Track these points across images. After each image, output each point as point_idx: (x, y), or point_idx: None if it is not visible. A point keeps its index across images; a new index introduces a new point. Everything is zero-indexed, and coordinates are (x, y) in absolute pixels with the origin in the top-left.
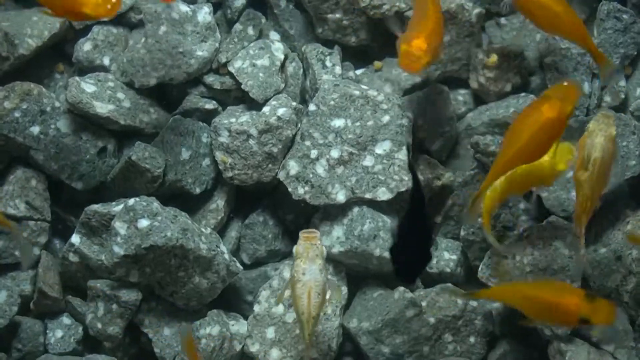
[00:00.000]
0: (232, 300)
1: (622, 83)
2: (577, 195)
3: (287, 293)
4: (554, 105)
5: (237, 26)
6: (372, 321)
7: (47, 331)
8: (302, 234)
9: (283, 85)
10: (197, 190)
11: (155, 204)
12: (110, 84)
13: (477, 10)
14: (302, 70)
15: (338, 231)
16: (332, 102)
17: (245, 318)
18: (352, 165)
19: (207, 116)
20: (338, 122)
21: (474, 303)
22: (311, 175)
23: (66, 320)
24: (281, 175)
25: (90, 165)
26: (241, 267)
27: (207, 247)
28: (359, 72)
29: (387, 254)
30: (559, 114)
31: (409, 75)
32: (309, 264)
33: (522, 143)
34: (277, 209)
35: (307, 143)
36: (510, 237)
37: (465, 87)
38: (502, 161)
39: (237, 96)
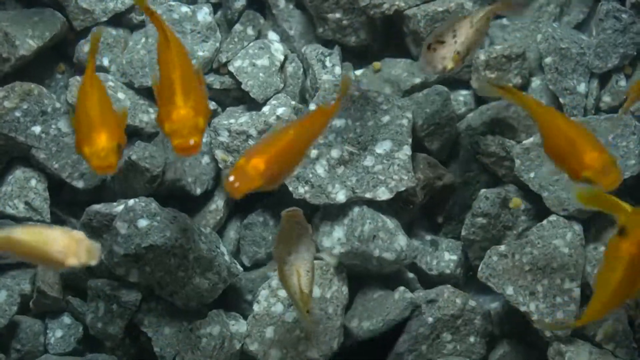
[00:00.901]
0: (232, 299)
1: (623, 83)
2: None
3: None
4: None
5: (237, 27)
6: (372, 321)
7: (47, 331)
8: (284, 214)
9: (282, 85)
10: (198, 191)
11: (154, 204)
12: (110, 83)
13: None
14: (302, 70)
15: (339, 232)
16: (332, 102)
17: (245, 318)
18: (352, 165)
19: None
20: (338, 122)
21: (472, 303)
22: (311, 175)
23: (67, 319)
24: None
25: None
26: (241, 269)
27: (207, 247)
28: (358, 72)
29: (386, 255)
30: None
31: (409, 75)
32: (294, 244)
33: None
34: (277, 209)
35: None
36: (509, 236)
37: (465, 87)
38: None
39: (236, 96)
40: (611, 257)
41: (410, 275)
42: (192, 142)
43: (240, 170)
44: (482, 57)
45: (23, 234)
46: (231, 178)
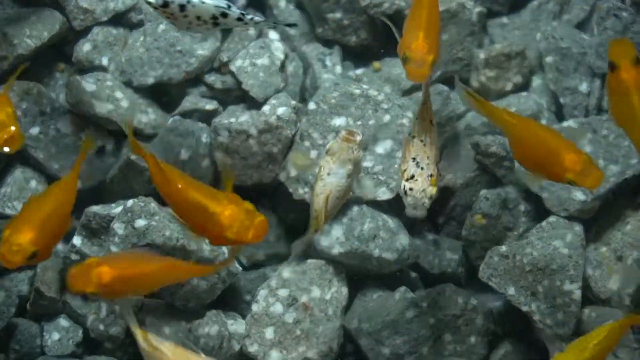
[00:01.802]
0: (231, 300)
1: None
2: None
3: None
4: None
5: None
6: (372, 322)
7: (44, 333)
8: (343, 132)
9: (283, 84)
10: None
11: (153, 204)
12: (109, 83)
13: (478, 9)
14: (302, 69)
15: (338, 231)
16: (332, 101)
17: (244, 318)
18: None
19: (207, 117)
20: (339, 121)
21: (474, 301)
22: (311, 177)
23: (63, 322)
24: (282, 177)
25: (89, 164)
26: (240, 268)
27: (210, 247)
28: (359, 71)
29: (386, 255)
30: None
31: None
32: (337, 166)
33: None
34: (277, 210)
35: (307, 143)
36: (510, 237)
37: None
38: None
39: (237, 95)
40: (618, 94)
41: (413, 274)
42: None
43: (84, 269)
44: (482, 55)
45: (170, 349)
46: (72, 272)
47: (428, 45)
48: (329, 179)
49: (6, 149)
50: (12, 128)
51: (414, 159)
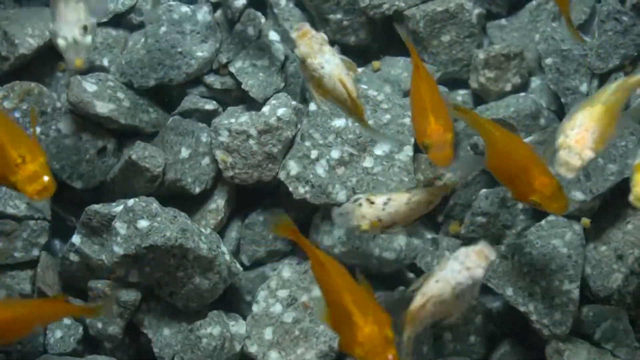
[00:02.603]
0: (232, 300)
1: None
2: None
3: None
4: None
5: (238, 26)
6: None
7: (47, 331)
8: (295, 35)
9: (283, 84)
10: (197, 190)
11: (155, 205)
12: (110, 83)
13: (477, 11)
14: None
15: (339, 231)
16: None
17: (245, 318)
18: (352, 166)
19: (207, 117)
20: (338, 122)
21: (473, 302)
22: (311, 176)
23: (66, 320)
24: (282, 175)
25: (90, 164)
26: (241, 268)
27: (207, 247)
28: (358, 71)
29: (386, 254)
30: None
31: (409, 75)
32: (320, 57)
33: None
34: (277, 208)
35: (307, 143)
36: (509, 236)
37: (465, 87)
38: None
39: (237, 96)
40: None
41: (411, 275)
42: (390, 357)
43: None
44: (481, 56)
45: None
46: None
47: (442, 126)
48: (327, 69)
49: (39, 200)
50: (46, 178)
51: (388, 200)
